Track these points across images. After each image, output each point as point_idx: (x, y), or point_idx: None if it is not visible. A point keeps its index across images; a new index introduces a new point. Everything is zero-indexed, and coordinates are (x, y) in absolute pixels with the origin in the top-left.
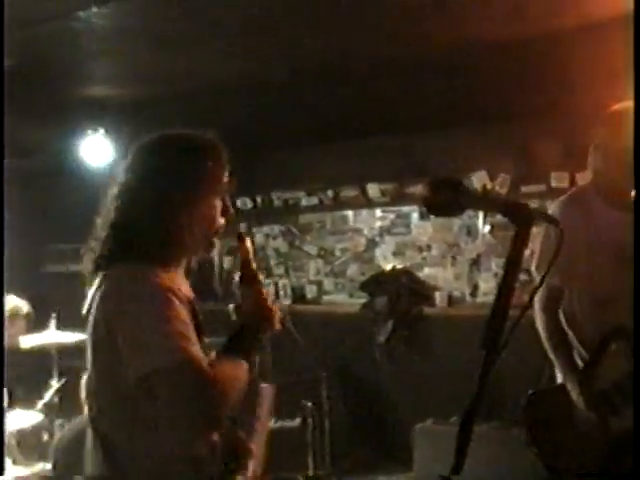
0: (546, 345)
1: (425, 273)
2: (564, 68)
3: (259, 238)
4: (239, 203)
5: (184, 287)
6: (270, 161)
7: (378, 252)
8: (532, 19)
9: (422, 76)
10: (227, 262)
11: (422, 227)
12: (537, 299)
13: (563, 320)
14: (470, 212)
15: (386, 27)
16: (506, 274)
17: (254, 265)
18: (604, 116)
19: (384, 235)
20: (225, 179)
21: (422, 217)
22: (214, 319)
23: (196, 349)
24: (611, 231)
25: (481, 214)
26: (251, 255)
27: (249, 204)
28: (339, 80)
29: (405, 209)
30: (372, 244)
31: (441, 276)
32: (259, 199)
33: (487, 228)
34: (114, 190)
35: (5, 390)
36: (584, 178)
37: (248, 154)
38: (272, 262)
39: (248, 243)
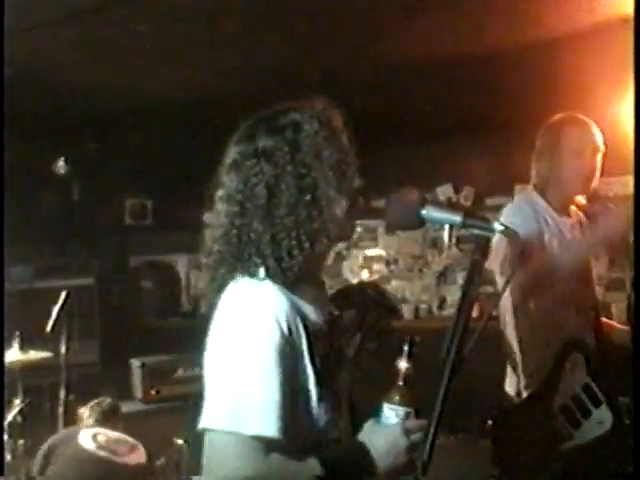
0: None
1: (392, 286)
2: (531, 82)
3: None
4: (206, 218)
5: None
6: None
7: (345, 265)
8: (497, 34)
9: (388, 91)
10: (195, 277)
11: (389, 240)
12: (505, 307)
13: (528, 323)
14: (436, 225)
15: (355, 42)
16: (467, 285)
17: None
18: (546, 125)
19: (351, 248)
20: None
21: (389, 231)
22: (181, 336)
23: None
24: (561, 235)
25: (447, 227)
26: None
27: None
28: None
29: (372, 223)
30: (339, 257)
31: (408, 289)
32: (212, 219)
33: (453, 241)
34: None
35: None
36: None
37: (215, 169)
38: None
39: None
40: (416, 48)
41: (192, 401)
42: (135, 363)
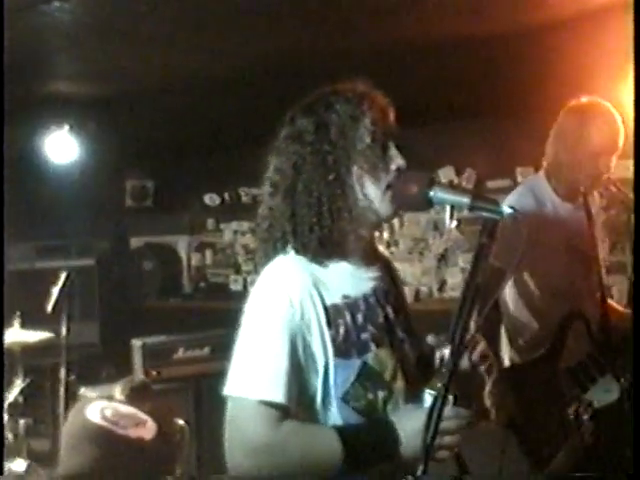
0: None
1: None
2: (531, 65)
3: (227, 234)
4: (207, 200)
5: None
6: (237, 157)
7: None
8: (499, 16)
9: (388, 72)
10: (195, 259)
11: (390, 223)
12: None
13: (521, 304)
14: (437, 207)
15: (347, 23)
16: (473, 268)
17: None
18: (565, 110)
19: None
20: None
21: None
22: (181, 316)
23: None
24: (563, 222)
25: (448, 209)
26: None
27: (217, 200)
28: (303, 77)
29: None
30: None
31: (409, 271)
32: (227, 195)
33: (454, 223)
34: None
35: None
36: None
37: (215, 150)
38: (240, 259)
39: None
40: (417, 30)
41: (193, 382)
42: (136, 343)
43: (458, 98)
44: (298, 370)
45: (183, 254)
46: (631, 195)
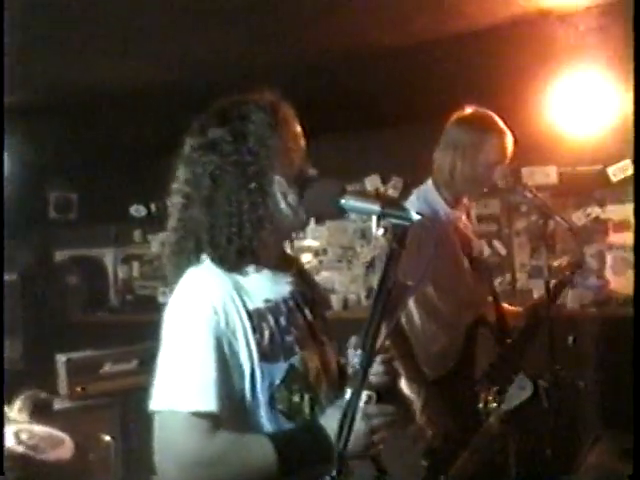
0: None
1: (321, 277)
2: (457, 72)
3: (155, 246)
4: (133, 211)
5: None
6: (163, 167)
7: None
8: (425, 24)
9: (316, 80)
10: (122, 271)
11: (318, 231)
12: None
13: (425, 318)
14: (364, 215)
15: (275, 32)
16: (384, 274)
17: None
18: (455, 120)
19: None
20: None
21: (318, 221)
22: (108, 330)
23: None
24: (454, 230)
25: (374, 217)
26: None
27: (143, 212)
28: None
29: None
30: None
31: (337, 279)
32: (153, 206)
33: (381, 231)
34: None
35: None
36: None
37: (140, 160)
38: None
39: None
40: (343, 38)
41: (120, 396)
42: (60, 359)
43: (384, 106)
44: (226, 377)
45: (109, 267)
46: (548, 202)
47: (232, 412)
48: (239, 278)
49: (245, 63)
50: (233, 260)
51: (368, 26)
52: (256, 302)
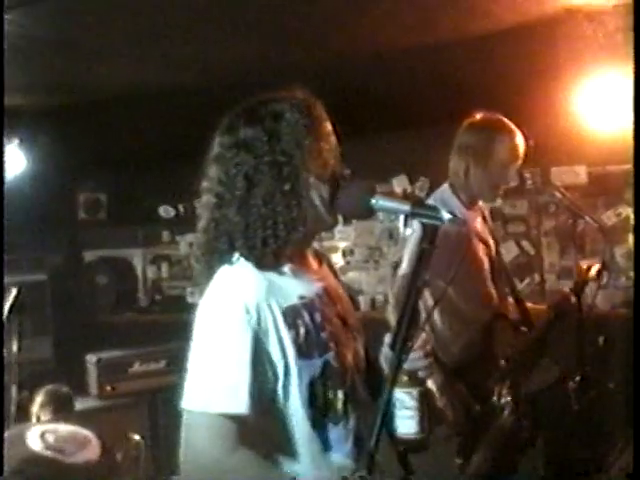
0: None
1: (349, 277)
2: (485, 72)
3: (183, 246)
4: (161, 212)
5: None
6: (191, 169)
7: None
8: (451, 24)
9: (343, 82)
10: (151, 272)
11: (345, 232)
12: (394, 293)
13: (445, 315)
14: (391, 215)
15: (300, 34)
16: (414, 274)
17: None
18: (466, 126)
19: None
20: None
21: (345, 221)
22: (137, 330)
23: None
24: (473, 231)
25: (402, 217)
26: None
27: (172, 212)
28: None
29: None
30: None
31: (364, 280)
32: (181, 207)
33: (408, 231)
34: None
35: None
36: None
37: (169, 161)
38: None
39: None
40: (367, 40)
41: (149, 396)
42: (90, 359)
43: (412, 107)
44: (258, 378)
45: (138, 267)
46: (577, 202)
47: (263, 413)
48: (273, 276)
49: (271, 64)
50: (267, 260)
51: (394, 27)
52: (291, 299)
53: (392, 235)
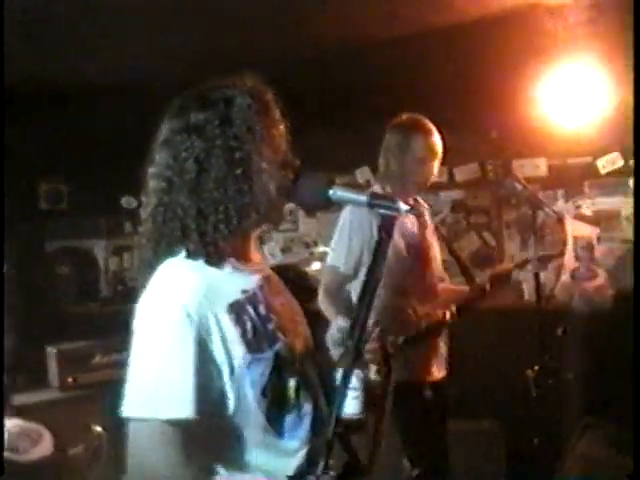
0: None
1: (313, 269)
2: (447, 64)
3: None
4: (124, 202)
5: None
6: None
7: (266, 249)
8: (412, 16)
9: (308, 74)
10: (113, 263)
11: (309, 223)
12: (323, 286)
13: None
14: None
15: (273, 26)
16: (372, 264)
17: None
18: (389, 127)
19: (271, 232)
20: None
21: (308, 214)
22: (100, 321)
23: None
24: (401, 227)
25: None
26: None
27: (134, 203)
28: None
29: (292, 205)
30: (260, 241)
31: None
32: (144, 198)
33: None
34: None
35: None
36: (469, 170)
37: (132, 152)
38: None
39: None
40: (333, 31)
41: (110, 388)
42: (51, 350)
43: (375, 98)
44: (204, 380)
45: (100, 258)
46: (537, 194)
47: (212, 414)
48: (215, 272)
49: (235, 56)
50: (214, 250)
51: (357, 19)
52: (234, 294)
53: None
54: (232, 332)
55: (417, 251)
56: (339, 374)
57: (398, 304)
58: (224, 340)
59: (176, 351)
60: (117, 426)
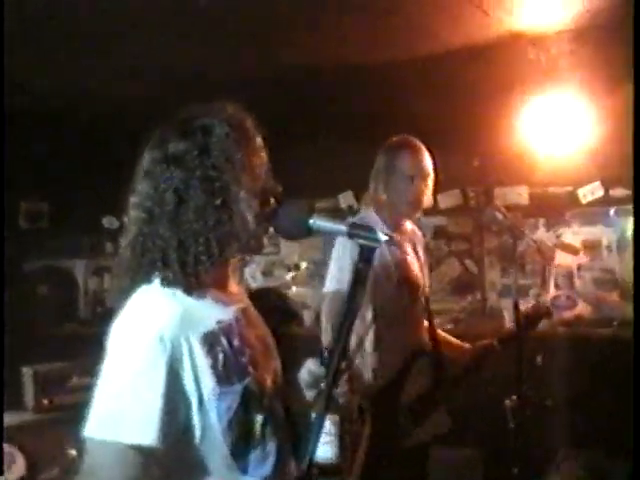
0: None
1: (294, 292)
2: (430, 91)
3: None
4: (105, 222)
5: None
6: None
7: (247, 272)
8: (395, 43)
9: (289, 98)
10: (93, 283)
11: (291, 247)
12: (327, 314)
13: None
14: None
15: (248, 46)
16: (351, 295)
17: None
18: (384, 147)
19: (253, 255)
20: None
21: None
22: (77, 342)
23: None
24: (393, 253)
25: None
26: None
27: (115, 223)
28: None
29: (273, 229)
30: (241, 264)
31: (310, 295)
32: (126, 219)
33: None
34: None
35: None
36: (451, 197)
37: (113, 171)
38: None
39: None
40: (319, 56)
41: (86, 410)
42: (27, 372)
43: (360, 122)
44: (170, 408)
45: (80, 278)
46: (519, 222)
47: (176, 443)
48: (191, 301)
49: (215, 77)
50: (195, 281)
51: (344, 45)
52: (208, 324)
53: None
54: (203, 362)
55: (408, 284)
56: (312, 417)
57: (391, 335)
58: (195, 369)
59: (147, 374)
60: None
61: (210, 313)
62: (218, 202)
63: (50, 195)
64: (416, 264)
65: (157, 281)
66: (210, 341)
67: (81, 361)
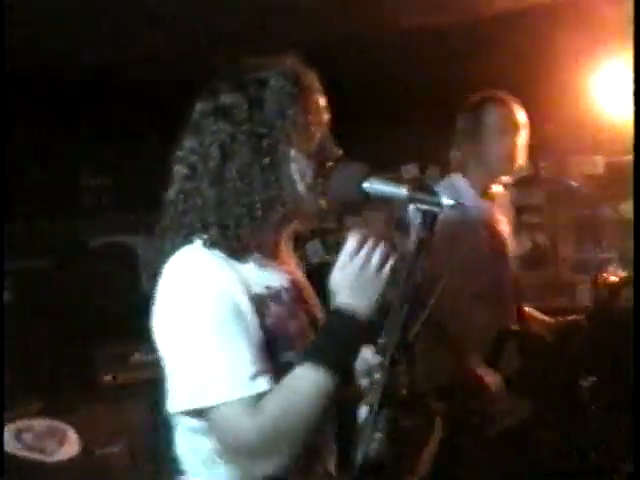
0: None
1: None
2: (499, 57)
3: None
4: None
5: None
6: None
7: (309, 247)
8: (460, 5)
9: (352, 68)
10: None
11: (355, 222)
12: None
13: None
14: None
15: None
16: (411, 267)
17: None
18: (465, 106)
19: (308, 224)
20: None
21: (354, 212)
22: (138, 320)
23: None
24: (482, 220)
25: (411, 206)
26: None
27: None
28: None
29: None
30: (296, 234)
31: None
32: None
33: (418, 220)
34: None
35: None
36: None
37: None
38: None
39: None
40: (380, 22)
41: (150, 386)
42: (91, 349)
43: (424, 94)
44: (258, 349)
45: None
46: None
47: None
48: (236, 262)
49: (270, 44)
50: (237, 244)
51: (406, 6)
52: (257, 288)
53: (401, 225)
54: (254, 320)
55: (498, 250)
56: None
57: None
58: (249, 326)
59: (227, 326)
60: (155, 426)
61: (258, 277)
62: (266, 161)
63: (113, 171)
64: (506, 233)
65: (199, 242)
66: (258, 303)
67: (143, 338)
